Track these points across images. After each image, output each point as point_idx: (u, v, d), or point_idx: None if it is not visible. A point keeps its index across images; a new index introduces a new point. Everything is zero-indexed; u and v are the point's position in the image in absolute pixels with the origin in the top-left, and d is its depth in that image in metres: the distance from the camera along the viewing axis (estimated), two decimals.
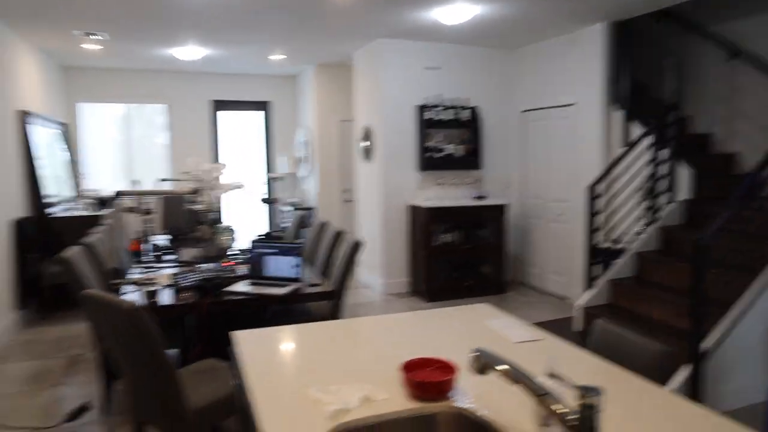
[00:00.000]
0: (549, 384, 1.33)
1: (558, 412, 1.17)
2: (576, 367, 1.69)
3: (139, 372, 2.25)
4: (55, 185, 5.92)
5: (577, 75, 5.57)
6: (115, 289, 3.16)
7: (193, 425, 2.30)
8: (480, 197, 6.21)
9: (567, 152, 5.83)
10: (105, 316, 2.25)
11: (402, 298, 5.96)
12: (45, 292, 5.35)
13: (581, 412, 1.16)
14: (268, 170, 8.07)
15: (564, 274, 5.96)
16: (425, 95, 6.09)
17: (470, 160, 6.21)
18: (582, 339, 4.43)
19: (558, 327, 4.86)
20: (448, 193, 6.21)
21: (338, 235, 3.94)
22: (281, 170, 7.97)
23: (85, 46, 6.01)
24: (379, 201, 6.05)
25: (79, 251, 3.18)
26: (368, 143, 6.20)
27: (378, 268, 6.22)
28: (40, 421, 3.29)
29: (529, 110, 6.34)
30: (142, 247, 3.91)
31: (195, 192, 3.38)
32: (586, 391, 1.16)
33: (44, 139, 5.95)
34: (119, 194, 3.03)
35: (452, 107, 6.10)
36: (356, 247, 3.49)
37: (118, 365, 2.38)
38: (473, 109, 6.24)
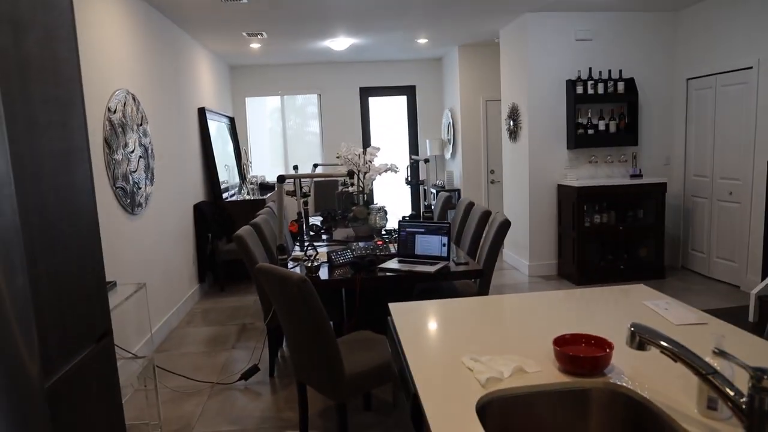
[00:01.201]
0: (716, 363, 1.24)
1: (727, 393, 1.10)
2: (748, 351, 1.55)
3: (303, 338, 2.44)
4: (225, 173, 6.58)
5: (757, 32, 4.93)
6: (282, 265, 3.43)
7: (348, 389, 2.43)
8: (636, 175, 5.80)
9: (741, 123, 5.23)
10: (276, 287, 2.47)
11: (549, 280, 5.79)
12: (219, 268, 5.97)
13: (755, 395, 1.08)
14: (413, 153, 8.13)
15: (735, 260, 5.39)
16: (575, 69, 5.81)
17: (625, 135, 5.81)
18: (758, 332, 3.98)
19: (727, 317, 4.39)
20: (601, 171, 5.87)
21: (485, 215, 3.89)
22: (427, 152, 7.93)
23: (251, 45, 6.55)
24: (526, 181, 5.88)
25: (249, 231, 3.51)
26: (514, 121, 6.05)
27: (525, 249, 6.07)
28: (218, 378, 3.73)
29: (694, 78, 5.77)
30: (301, 226, 4.14)
31: (350, 175, 3.52)
32: (763, 373, 1.08)
33: (216, 132, 6.62)
34: (281, 178, 3.26)
35: (605, 80, 5.75)
36: (504, 226, 3.41)
37: (285, 332, 2.60)
38: (629, 81, 5.82)
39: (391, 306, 2.06)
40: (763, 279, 4.31)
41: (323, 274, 3.15)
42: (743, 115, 5.19)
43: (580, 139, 5.76)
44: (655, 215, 5.65)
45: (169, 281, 4.82)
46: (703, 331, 1.72)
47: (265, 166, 8.20)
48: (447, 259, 3.28)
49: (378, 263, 3.23)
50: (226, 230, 5.96)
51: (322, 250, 3.73)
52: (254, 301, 5.54)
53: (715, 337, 1.21)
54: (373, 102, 8.44)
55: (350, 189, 3.90)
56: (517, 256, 6.31)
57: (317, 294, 2.33)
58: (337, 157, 3.94)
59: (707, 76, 5.60)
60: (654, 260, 5.70)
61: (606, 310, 1.94)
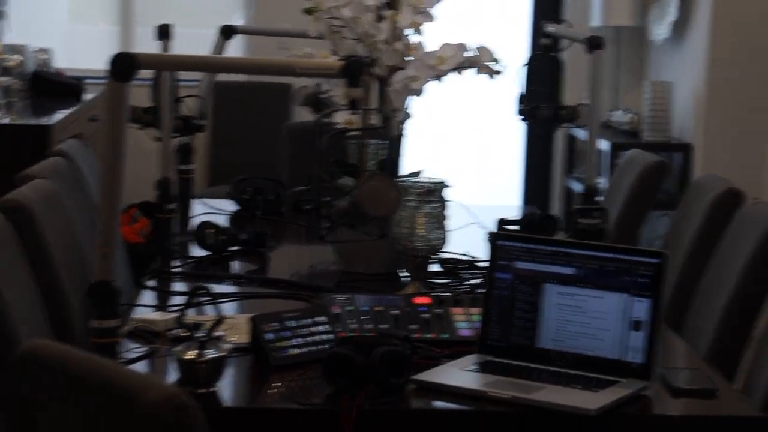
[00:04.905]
0: None
1: None
2: None
3: None
4: None
5: None
6: (105, 350, 1.70)
7: None
8: None
9: None
10: (78, 416, 1.20)
11: None
12: None
13: None
14: (547, 16, 4.82)
15: None
16: None
17: None
18: None
19: None
20: None
21: None
22: (595, 18, 4.94)
23: None
24: None
25: None
26: None
27: None
28: None
29: None
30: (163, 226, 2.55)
31: (347, 74, 1.82)
32: None
33: None
34: (122, 62, 1.72)
35: None
36: None
37: None
38: None
39: None
40: None
41: (233, 388, 1.76)
42: None
43: None
44: None
45: None
46: None
47: (56, 27, 5.34)
48: (646, 371, 1.73)
49: (413, 367, 1.73)
50: None
51: (236, 315, 2.08)
52: None
53: None
54: None
55: (341, 120, 2.24)
56: None
57: None
58: (308, 12, 2.28)
59: None
60: None
61: None
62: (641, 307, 1.64)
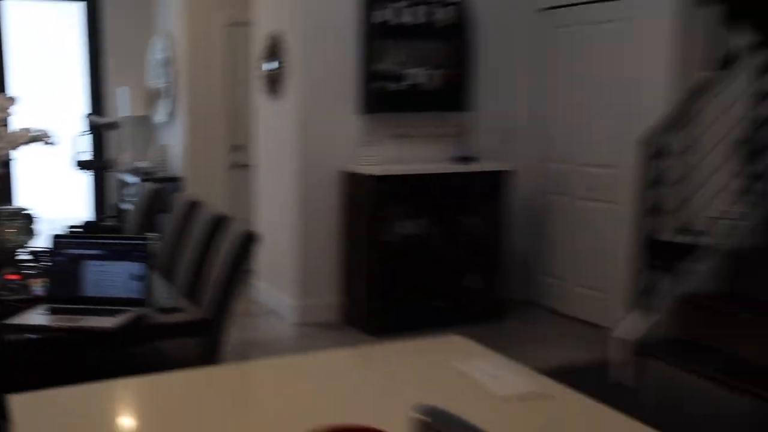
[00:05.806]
0: None
1: None
2: None
3: None
4: None
5: None
6: None
7: None
8: (466, 158, 5.38)
9: (616, 80, 4.99)
10: None
11: (328, 330, 5.29)
12: None
13: None
14: (93, 111, 7.02)
15: (603, 288, 5.17)
16: None
17: (452, 95, 5.37)
18: (628, 397, 3.87)
19: (589, 377, 4.18)
20: (412, 151, 5.41)
21: (217, 224, 3.43)
22: (121, 111, 6.95)
23: None
24: (295, 165, 5.26)
25: None
26: (277, 64, 5.40)
27: (288, 280, 5.45)
28: None
29: (553, 7, 5.47)
30: None
31: None
32: None
33: None
34: None
35: (424, 3, 5.24)
36: (247, 243, 3.11)
37: None
38: (459, 6, 5.34)
39: (15, 401, 1.76)
40: (632, 315, 4.20)
41: None
42: (618, 68, 4.94)
43: (380, 98, 5.19)
44: (492, 223, 5.33)
45: None
46: (543, 407, 1.75)
47: None
48: (143, 302, 2.79)
49: (7, 316, 2.60)
50: None
51: None
52: None
53: None
54: (17, 8, 6.88)
55: None
56: (278, 291, 5.61)
57: None
58: None
59: (572, 5, 5.27)
60: (489, 293, 5.36)
61: (400, 382, 1.94)
62: (140, 268, 2.73)
